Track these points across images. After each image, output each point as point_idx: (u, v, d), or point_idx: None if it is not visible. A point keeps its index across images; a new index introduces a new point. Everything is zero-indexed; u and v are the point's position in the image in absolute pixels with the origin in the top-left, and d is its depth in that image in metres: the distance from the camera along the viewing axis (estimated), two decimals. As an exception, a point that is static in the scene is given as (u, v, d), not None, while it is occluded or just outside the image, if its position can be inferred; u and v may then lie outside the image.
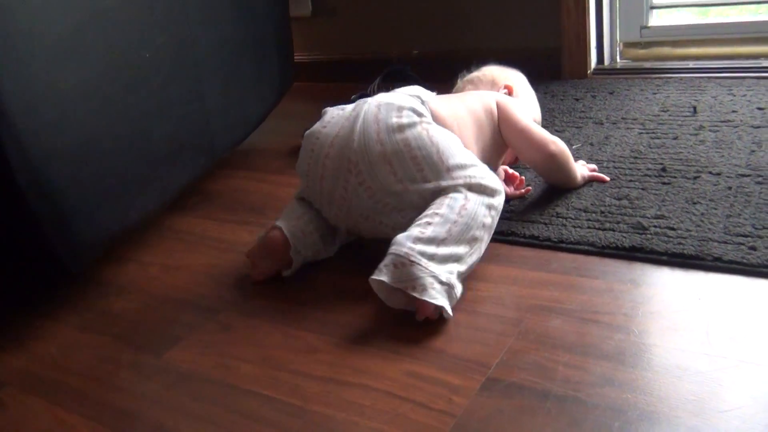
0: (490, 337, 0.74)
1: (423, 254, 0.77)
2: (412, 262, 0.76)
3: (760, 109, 1.24)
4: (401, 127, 0.85)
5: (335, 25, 1.99)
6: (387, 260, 0.78)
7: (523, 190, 1.04)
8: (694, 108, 1.29)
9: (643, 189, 1.01)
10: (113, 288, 0.98)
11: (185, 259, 1.04)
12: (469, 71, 1.19)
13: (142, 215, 1.02)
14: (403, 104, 0.87)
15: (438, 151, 0.84)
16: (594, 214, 0.96)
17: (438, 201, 0.82)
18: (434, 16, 1.81)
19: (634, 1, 1.63)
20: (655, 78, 1.53)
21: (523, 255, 0.90)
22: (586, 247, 0.89)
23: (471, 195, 0.83)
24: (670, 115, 1.29)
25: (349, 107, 0.92)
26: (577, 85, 1.57)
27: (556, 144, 0.99)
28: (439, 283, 0.76)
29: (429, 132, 0.85)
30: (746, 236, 0.84)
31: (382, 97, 0.91)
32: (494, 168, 1.00)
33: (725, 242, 0.84)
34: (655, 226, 0.90)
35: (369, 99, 0.91)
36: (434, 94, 0.96)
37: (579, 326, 0.74)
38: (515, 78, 1.15)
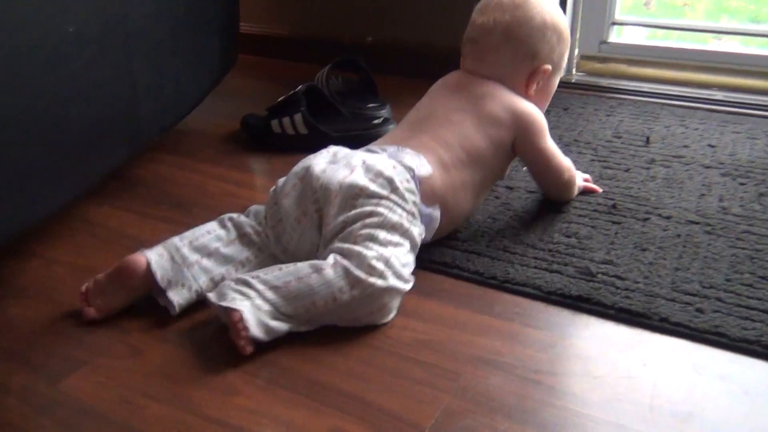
0: (426, 392, 0.69)
1: (241, 281, 0.75)
2: (228, 283, 0.76)
3: (711, 146, 1.23)
4: (362, 193, 0.80)
5: (286, -1, 1.87)
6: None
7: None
8: (647, 138, 1.27)
9: (592, 227, 0.97)
10: (9, 289, 0.88)
11: (97, 259, 0.94)
12: None
13: (49, 211, 0.91)
14: (383, 171, 0.82)
15: (382, 223, 0.79)
16: (542, 252, 0.92)
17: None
18: (391, 4, 1.72)
19: (596, 15, 1.59)
20: (610, 99, 1.50)
21: (466, 293, 0.85)
22: (531, 290, 0.84)
23: (349, 266, 0.75)
24: (622, 143, 1.26)
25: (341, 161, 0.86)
26: (532, 95, 1.52)
27: (570, 173, 1.01)
28: (243, 296, 0.74)
29: (387, 212, 0.80)
30: (693, 295, 0.82)
31: (368, 158, 0.85)
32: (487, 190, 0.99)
33: (673, 300, 0.81)
34: (602, 273, 0.86)
35: (357, 152, 0.87)
36: (430, 167, 0.87)
37: (519, 386, 0.70)
38: (561, 48, 1.00)
